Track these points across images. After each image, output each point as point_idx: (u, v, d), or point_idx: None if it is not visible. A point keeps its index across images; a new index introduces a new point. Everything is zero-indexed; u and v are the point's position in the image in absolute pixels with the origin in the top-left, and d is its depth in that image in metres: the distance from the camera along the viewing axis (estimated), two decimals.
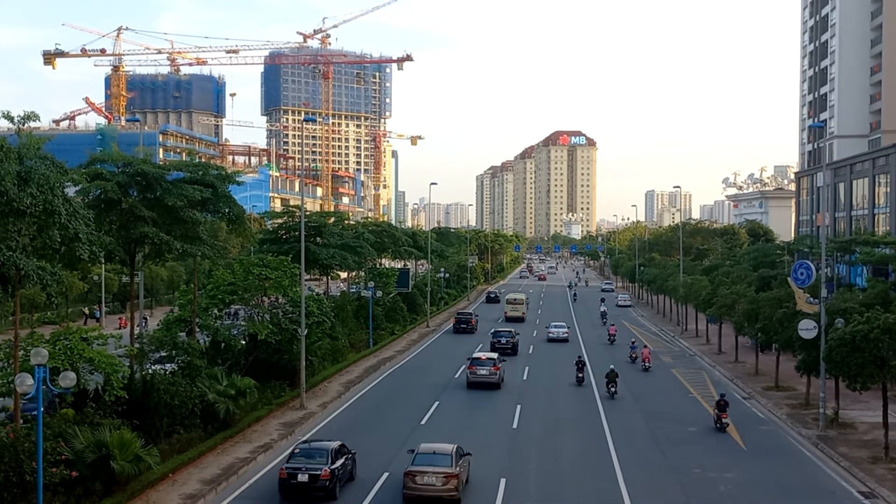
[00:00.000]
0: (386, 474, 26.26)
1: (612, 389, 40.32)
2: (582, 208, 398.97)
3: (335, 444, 25.11)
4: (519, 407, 37.37)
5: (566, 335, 63.05)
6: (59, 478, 20.88)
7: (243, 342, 38.03)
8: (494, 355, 43.10)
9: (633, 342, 55.39)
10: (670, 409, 37.95)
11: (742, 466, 28.03)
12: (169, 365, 32.65)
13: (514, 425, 34.33)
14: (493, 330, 59.62)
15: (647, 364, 49.55)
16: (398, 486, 24.17)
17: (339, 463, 24.33)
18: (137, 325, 36.88)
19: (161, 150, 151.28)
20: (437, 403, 38.09)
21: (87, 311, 69.92)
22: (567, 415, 36.80)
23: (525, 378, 46.08)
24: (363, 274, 68.84)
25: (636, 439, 31.93)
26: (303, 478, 23.37)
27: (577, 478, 26.77)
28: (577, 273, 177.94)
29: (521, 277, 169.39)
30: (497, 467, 27.24)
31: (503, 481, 25.79)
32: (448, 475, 23.09)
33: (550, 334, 63.29)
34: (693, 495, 24.88)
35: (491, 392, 40.97)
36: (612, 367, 41.76)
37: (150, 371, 30.97)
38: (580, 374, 44.03)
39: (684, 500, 24.49)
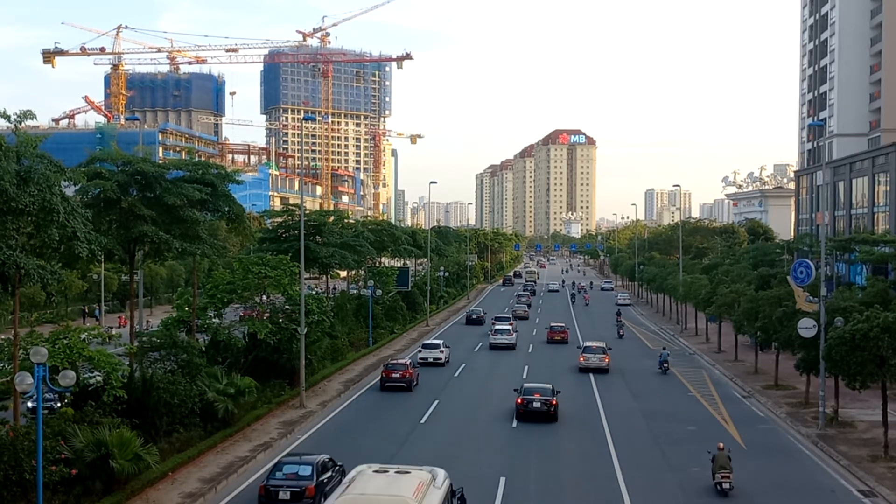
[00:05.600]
0: None
1: (573, 297, 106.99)
2: (581, 207, 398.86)
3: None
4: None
5: (557, 289, 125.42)
6: (59, 476, 20.87)
7: (242, 340, 38.01)
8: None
9: (586, 291, 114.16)
10: (669, 407, 37.94)
11: (741, 465, 27.96)
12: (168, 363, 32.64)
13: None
14: (523, 282, 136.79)
15: (587, 302, 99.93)
16: None
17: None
18: (136, 324, 36.87)
19: (160, 149, 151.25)
20: (436, 402, 38.10)
21: (86, 310, 69.88)
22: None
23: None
24: (363, 273, 68.81)
25: (635, 438, 31.93)
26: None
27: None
28: (571, 264, 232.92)
29: (525, 268, 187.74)
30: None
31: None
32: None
33: (549, 288, 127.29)
34: (693, 494, 24.87)
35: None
36: (573, 292, 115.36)
37: (149, 369, 30.96)
38: (565, 283, 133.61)
39: (684, 500, 24.48)
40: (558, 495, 24.76)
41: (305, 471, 22.85)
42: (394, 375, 40.61)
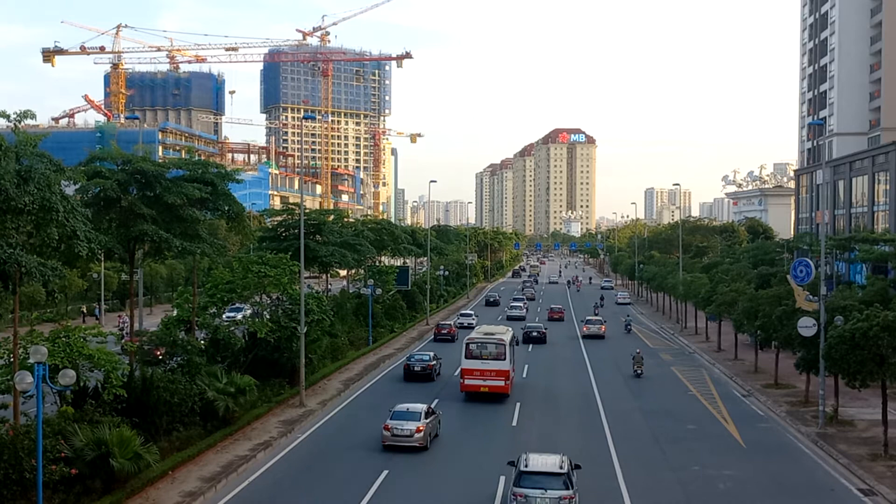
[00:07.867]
0: (385, 472, 26.22)
1: (569, 283, 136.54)
2: (581, 206, 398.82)
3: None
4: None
5: (557, 280, 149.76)
6: (59, 475, 20.89)
7: (243, 340, 37.98)
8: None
9: (578, 280, 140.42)
10: (669, 406, 37.94)
11: (741, 464, 28.01)
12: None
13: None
14: (527, 275, 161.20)
15: (579, 289, 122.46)
16: (395, 487, 24.14)
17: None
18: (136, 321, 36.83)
19: (160, 148, 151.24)
20: (436, 401, 38.05)
21: (85, 310, 69.84)
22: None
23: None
24: (363, 272, 68.82)
25: (635, 436, 31.92)
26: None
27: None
28: (569, 262, 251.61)
29: (528, 263, 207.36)
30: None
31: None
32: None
33: (549, 280, 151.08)
34: (692, 493, 24.86)
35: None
36: (567, 279, 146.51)
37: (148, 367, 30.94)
38: (562, 275, 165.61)
39: (684, 498, 24.48)
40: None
41: (426, 357, 44.41)
42: (443, 332, 61.80)
